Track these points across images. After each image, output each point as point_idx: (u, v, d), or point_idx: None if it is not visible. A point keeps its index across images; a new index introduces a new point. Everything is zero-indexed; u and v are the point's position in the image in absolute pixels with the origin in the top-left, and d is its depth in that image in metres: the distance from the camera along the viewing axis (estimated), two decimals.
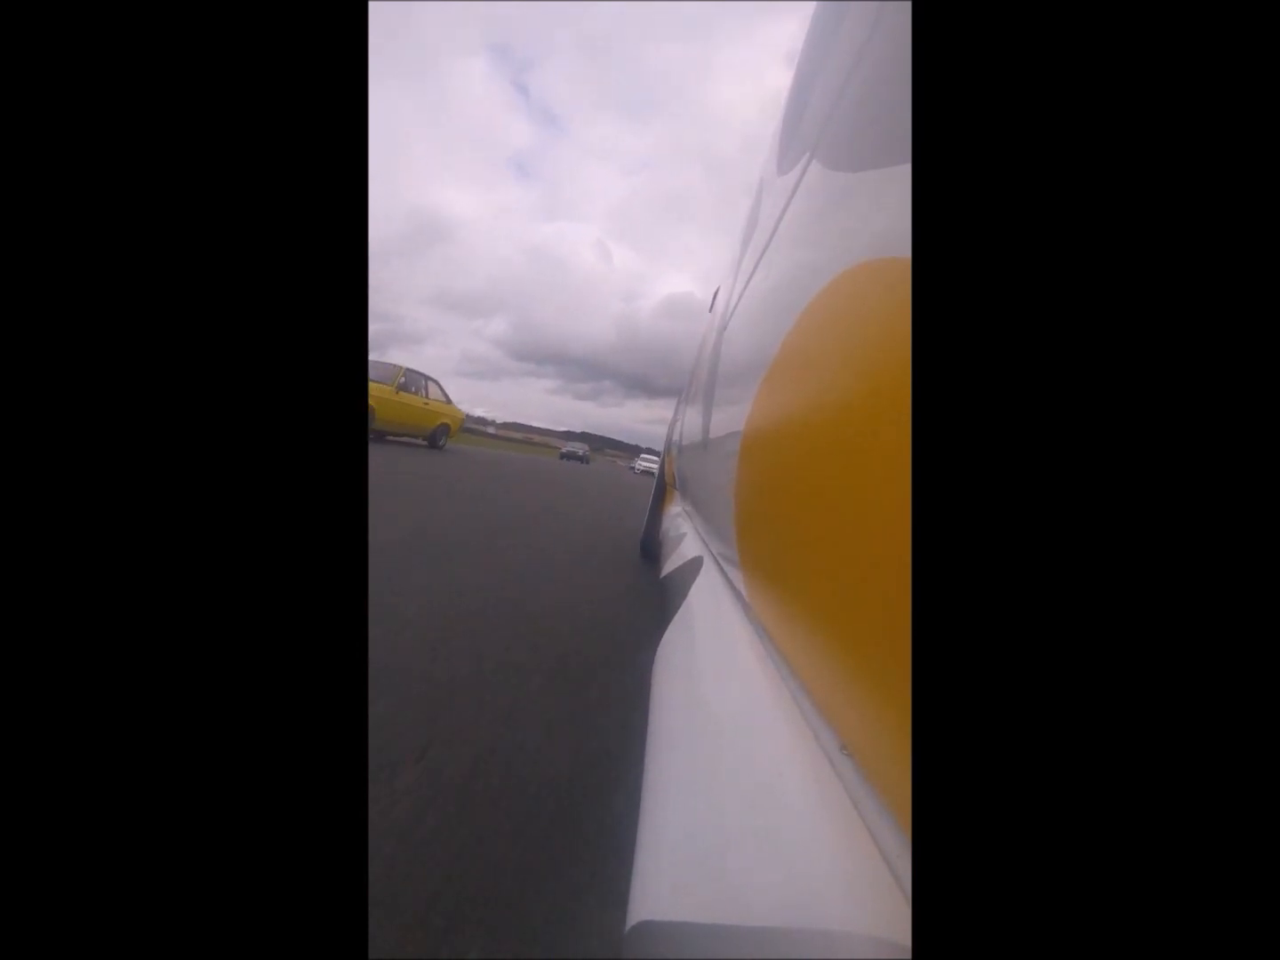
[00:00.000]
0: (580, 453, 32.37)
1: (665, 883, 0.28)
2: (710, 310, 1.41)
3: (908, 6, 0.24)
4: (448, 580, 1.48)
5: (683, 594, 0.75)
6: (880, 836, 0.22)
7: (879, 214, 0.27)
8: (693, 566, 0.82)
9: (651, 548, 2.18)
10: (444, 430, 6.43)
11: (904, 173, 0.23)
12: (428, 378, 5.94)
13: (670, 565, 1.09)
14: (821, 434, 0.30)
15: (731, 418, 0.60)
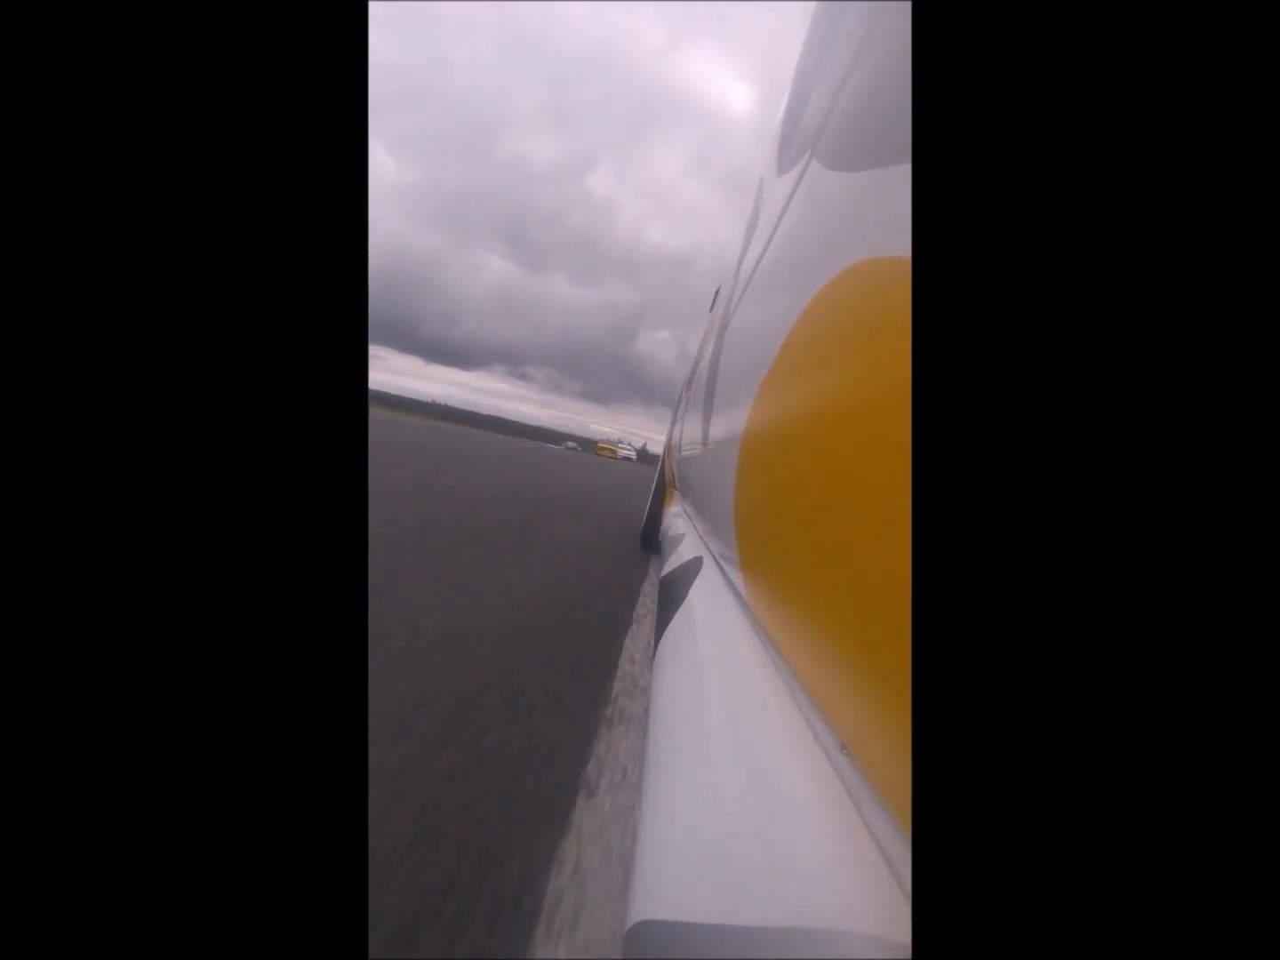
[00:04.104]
0: None
1: (666, 882, 0.28)
2: (711, 309, 1.41)
3: (908, 6, 0.24)
4: None
5: (682, 594, 0.75)
6: (880, 835, 0.22)
7: (879, 213, 0.27)
8: (692, 567, 0.82)
9: (651, 539, 2.55)
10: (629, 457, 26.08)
11: (904, 172, 0.23)
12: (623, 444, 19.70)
13: (670, 565, 1.09)
14: (823, 433, 0.30)
15: (732, 417, 0.60)
